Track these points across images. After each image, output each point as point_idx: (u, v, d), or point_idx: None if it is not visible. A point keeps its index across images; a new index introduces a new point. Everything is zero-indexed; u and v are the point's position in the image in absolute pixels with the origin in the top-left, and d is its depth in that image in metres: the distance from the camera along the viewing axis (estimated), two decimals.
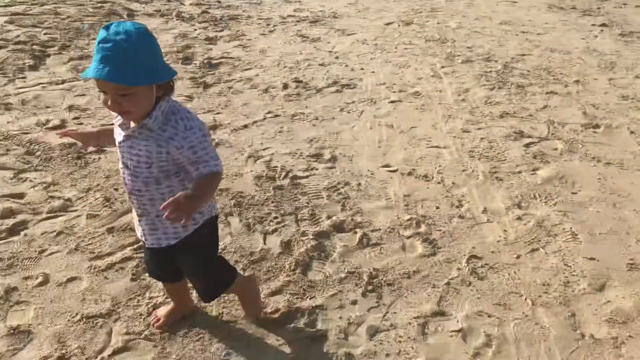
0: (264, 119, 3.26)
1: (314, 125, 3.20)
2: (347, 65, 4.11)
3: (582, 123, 3.25)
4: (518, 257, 2.12)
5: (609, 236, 2.26)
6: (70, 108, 3.25)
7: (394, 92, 3.67)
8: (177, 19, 5.07)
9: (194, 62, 4.07)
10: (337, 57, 4.28)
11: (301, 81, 3.79)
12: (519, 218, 2.36)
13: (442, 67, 4.10)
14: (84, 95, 3.44)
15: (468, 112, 3.38)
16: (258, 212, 2.35)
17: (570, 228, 2.30)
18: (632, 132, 3.14)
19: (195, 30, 4.80)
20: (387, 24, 5.16)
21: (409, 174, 2.70)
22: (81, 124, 3.08)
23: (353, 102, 3.51)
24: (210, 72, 3.90)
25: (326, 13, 5.47)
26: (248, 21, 5.14)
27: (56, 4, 5.14)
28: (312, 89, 3.68)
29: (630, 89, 3.75)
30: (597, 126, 3.21)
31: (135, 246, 2.09)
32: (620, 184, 2.65)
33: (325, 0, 5.94)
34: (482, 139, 3.05)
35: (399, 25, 5.10)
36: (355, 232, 2.24)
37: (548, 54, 4.42)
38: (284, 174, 2.66)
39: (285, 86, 3.71)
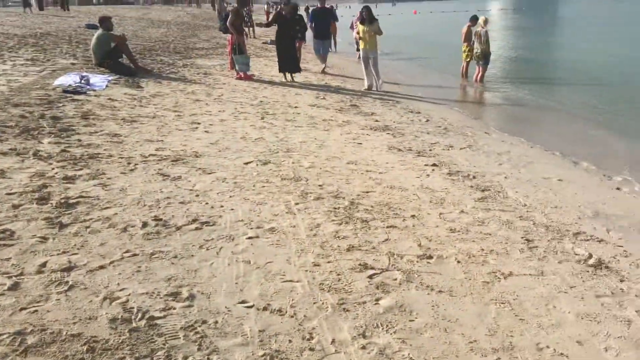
0: (122, 258, 3.28)
1: (173, 263, 3.27)
2: (207, 203, 4.30)
3: (417, 254, 3.65)
4: None
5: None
6: None
7: (252, 228, 3.89)
8: (34, 158, 5.01)
9: (50, 202, 4.02)
10: (197, 195, 4.46)
11: (161, 219, 3.89)
12: (364, 347, 2.57)
13: (296, 204, 4.43)
14: None
15: (319, 246, 3.67)
16: (111, 357, 2.32)
17: (409, 354, 2.54)
18: (458, 262, 3.59)
19: (53, 169, 4.77)
20: (246, 163, 5.50)
21: (264, 309, 2.84)
22: None
23: (212, 239, 3.66)
24: (66, 212, 3.87)
25: (188, 152, 5.72)
26: (109, 160, 5.22)
27: None
28: (172, 227, 3.78)
29: (457, 222, 4.31)
30: (430, 257, 3.63)
31: None
32: (450, 310, 2.99)
33: (186, 140, 6.22)
34: (331, 271, 3.31)
35: (257, 165, 5.46)
36: None
37: (388, 190, 4.96)
38: (140, 315, 2.67)
39: (145, 224, 3.78)
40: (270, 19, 12.54)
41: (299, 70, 12.05)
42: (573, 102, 11.24)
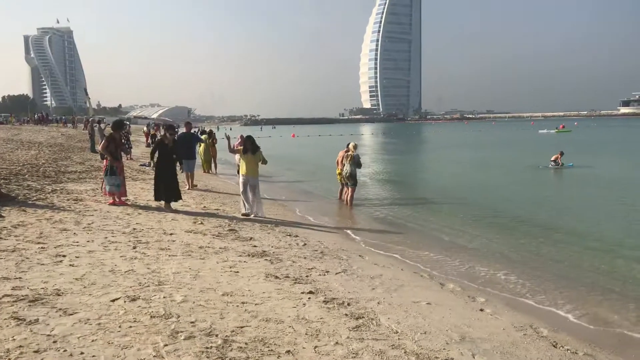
0: None
1: None
2: (65, 350, 3.93)
3: None
4: None
5: None
6: None
7: None
8: None
9: None
10: (55, 342, 4.07)
11: None
12: None
13: (165, 345, 4.18)
14: None
15: None
16: None
17: None
18: None
19: None
20: (113, 300, 5.17)
21: None
22: None
23: None
24: None
25: (48, 290, 5.29)
26: None
27: None
28: None
29: (331, 355, 4.28)
30: None
31: None
32: None
33: (49, 276, 5.77)
34: None
35: (124, 302, 5.15)
36: None
37: (264, 324, 4.86)
38: None
39: None
40: (152, 149, 12.29)
41: (179, 198, 11.73)
42: (438, 223, 12.07)
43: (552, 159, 24.34)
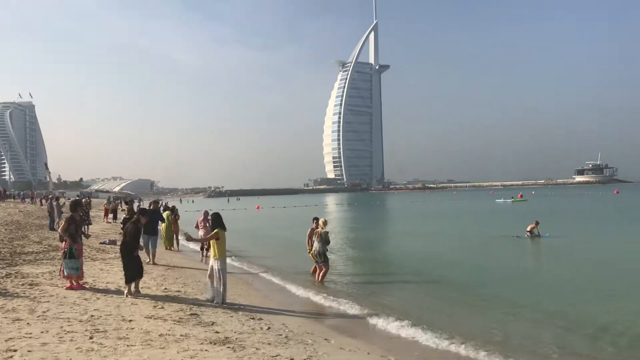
0: None
1: None
2: None
3: None
4: None
5: None
6: None
7: None
8: None
9: None
10: None
11: None
12: None
13: None
14: None
15: None
16: None
17: None
18: None
19: None
20: None
21: None
22: None
23: None
24: None
25: None
26: None
27: None
28: None
29: None
30: None
31: None
32: None
33: None
34: None
35: None
36: None
37: None
38: None
39: None
40: (130, 231, 11.60)
41: (142, 275, 11.27)
42: (409, 302, 12.00)
43: (528, 228, 24.52)
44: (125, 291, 10.71)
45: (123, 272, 10.98)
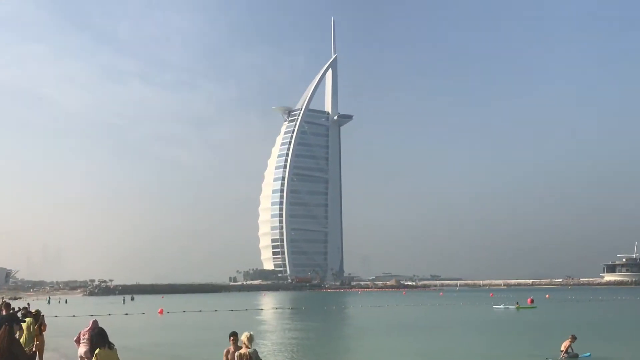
0: None
1: None
2: None
3: None
4: None
5: None
6: None
7: None
8: None
9: None
10: None
11: None
12: None
13: None
14: None
15: None
16: None
17: None
18: None
19: None
20: None
21: None
22: None
23: None
24: None
25: None
26: None
27: None
28: None
29: None
30: None
31: None
32: None
33: None
34: None
35: None
36: None
37: None
38: None
39: None
40: None
41: None
42: None
43: (562, 347, 25.02)
44: None
45: None
